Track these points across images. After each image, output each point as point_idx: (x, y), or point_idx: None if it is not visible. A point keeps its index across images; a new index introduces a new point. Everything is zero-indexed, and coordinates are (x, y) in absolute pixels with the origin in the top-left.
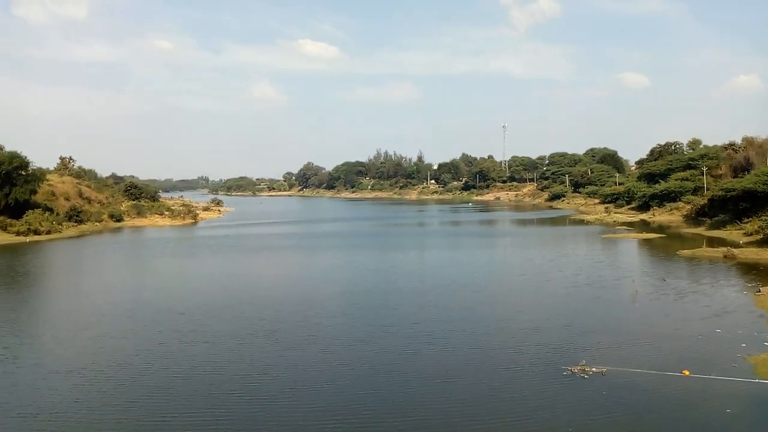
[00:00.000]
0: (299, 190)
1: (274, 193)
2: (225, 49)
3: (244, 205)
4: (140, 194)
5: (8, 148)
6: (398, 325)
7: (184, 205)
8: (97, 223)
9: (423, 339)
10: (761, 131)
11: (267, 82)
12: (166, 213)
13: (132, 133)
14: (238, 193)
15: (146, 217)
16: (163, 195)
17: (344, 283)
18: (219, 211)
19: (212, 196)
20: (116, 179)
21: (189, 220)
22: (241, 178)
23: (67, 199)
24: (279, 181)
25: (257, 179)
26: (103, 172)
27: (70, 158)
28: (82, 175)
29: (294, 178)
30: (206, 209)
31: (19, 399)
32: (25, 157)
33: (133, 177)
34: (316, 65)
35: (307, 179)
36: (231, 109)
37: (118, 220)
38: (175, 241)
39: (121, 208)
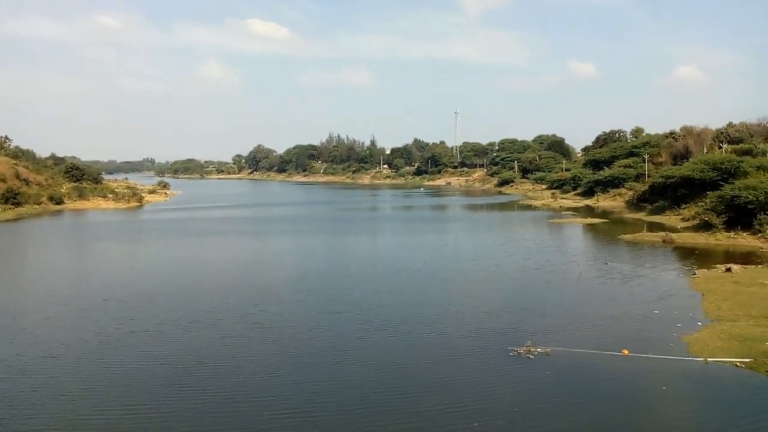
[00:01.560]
0: (249, 173)
1: (223, 176)
2: (174, 29)
3: (192, 188)
4: (82, 176)
5: None
6: (349, 311)
7: (128, 187)
8: (36, 206)
9: (374, 325)
10: (699, 121)
11: (216, 63)
12: (110, 195)
13: (74, 113)
14: (186, 176)
15: (88, 200)
16: (106, 177)
17: (295, 269)
18: (166, 194)
19: (159, 179)
20: (56, 160)
21: (134, 203)
22: (189, 160)
23: (2, 180)
24: (228, 163)
25: (206, 162)
26: (43, 152)
27: (6, 137)
28: (20, 155)
29: (244, 160)
30: (152, 192)
31: None
32: None
33: (75, 158)
34: (268, 46)
35: (257, 162)
36: (178, 90)
37: (59, 203)
38: (119, 224)
39: (62, 191)
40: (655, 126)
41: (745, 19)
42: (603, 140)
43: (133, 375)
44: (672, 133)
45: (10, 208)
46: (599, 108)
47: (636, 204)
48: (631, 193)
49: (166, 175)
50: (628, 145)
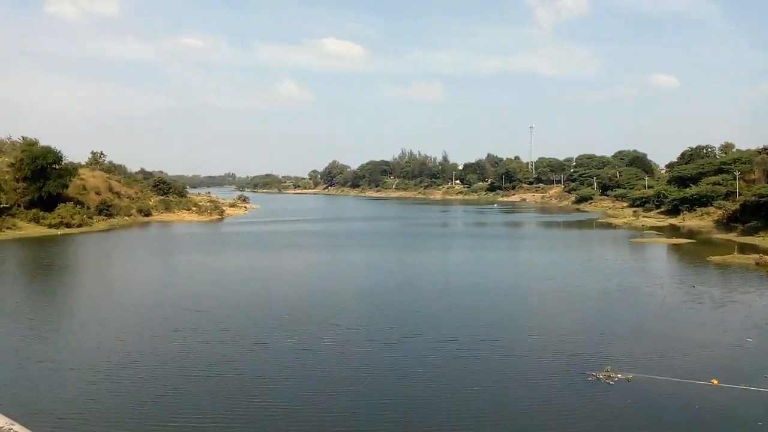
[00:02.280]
0: (324, 188)
1: (299, 191)
2: (253, 48)
3: (269, 203)
4: (168, 189)
5: (42, 143)
6: (422, 329)
7: (211, 201)
8: (126, 218)
9: (448, 344)
10: None
11: (293, 81)
12: (194, 208)
13: (162, 130)
14: (264, 191)
15: (174, 212)
16: (190, 191)
17: (367, 284)
18: (245, 207)
19: (239, 193)
20: (145, 174)
21: (215, 216)
22: (267, 175)
23: (97, 193)
24: (305, 179)
25: (283, 177)
26: (133, 167)
27: (101, 153)
28: (113, 170)
29: (319, 176)
30: (233, 206)
31: (30, 395)
32: (59, 152)
33: (162, 173)
34: (342, 64)
35: (332, 177)
36: (258, 106)
37: (147, 215)
38: (201, 236)
39: (150, 203)
40: (747, 141)
41: None
42: (689, 156)
43: (207, 385)
44: (765, 149)
45: (103, 219)
46: (683, 122)
47: (726, 224)
48: (720, 212)
49: (245, 189)
50: (717, 162)
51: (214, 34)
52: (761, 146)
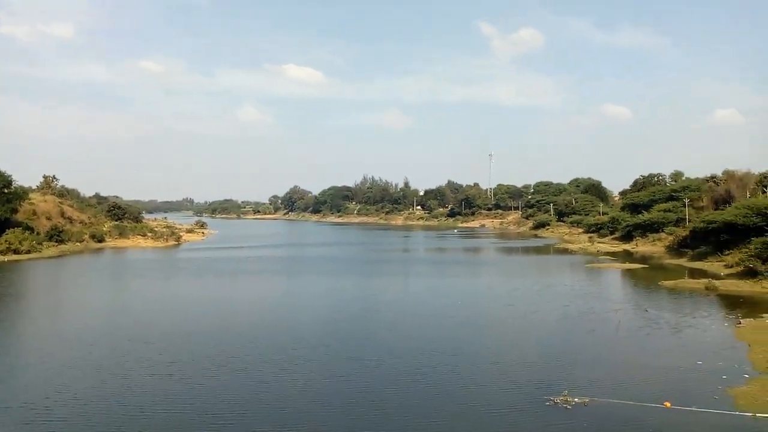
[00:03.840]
0: (285, 214)
1: (259, 217)
2: (214, 72)
3: (228, 228)
4: (123, 215)
5: None
6: (380, 358)
7: (167, 226)
8: (78, 244)
9: (406, 373)
10: (741, 164)
11: (254, 106)
12: (149, 234)
13: (118, 154)
14: (223, 216)
15: (129, 239)
16: (146, 216)
17: (324, 311)
18: (203, 233)
19: (196, 218)
20: (100, 199)
21: (172, 242)
22: (227, 200)
23: (48, 218)
24: (265, 204)
25: (243, 202)
26: (87, 191)
27: (53, 177)
28: (65, 194)
29: (280, 201)
30: (190, 231)
31: None
32: (8, 176)
33: (117, 197)
34: (304, 90)
35: (293, 203)
36: (218, 131)
37: (100, 241)
38: (155, 263)
39: (104, 229)
40: (695, 170)
41: None
42: (641, 184)
43: (152, 422)
44: (713, 177)
45: (53, 245)
46: (636, 151)
47: (676, 249)
48: (671, 238)
49: (203, 214)
50: (668, 189)
51: (174, 57)
52: (709, 174)
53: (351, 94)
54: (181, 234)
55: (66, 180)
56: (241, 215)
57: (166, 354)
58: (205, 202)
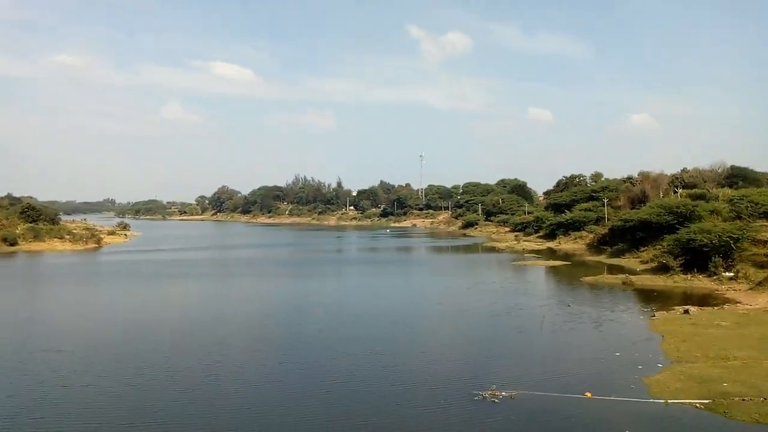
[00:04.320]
0: (213, 215)
1: (186, 218)
2: (136, 69)
3: (153, 230)
4: (38, 216)
5: None
6: (311, 360)
7: (86, 228)
8: None
9: (337, 374)
10: (655, 166)
11: (179, 103)
12: (67, 237)
13: (33, 152)
14: (148, 217)
15: (44, 241)
16: (64, 218)
17: (255, 314)
18: (125, 235)
19: (119, 220)
20: (12, 200)
21: (92, 245)
22: (151, 201)
23: None
24: (192, 205)
25: (168, 203)
26: None
27: None
28: None
29: (208, 201)
30: (111, 233)
31: None
32: None
33: (32, 198)
34: (231, 88)
35: (221, 203)
36: (141, 129)
37: (12, 244)
38: (74, 266)
39: (16, 231)
40: (613, 171)
41: (692, 71)
42: (564, 184)
43: None
44: (629, 178)
45: None
46: (559, 153)
47: (596, 247)
48: (591, 236)
49: (126, 216)
50: (588, 190)
51: (93, 53)
52: (626, 176)
53: (282, 93)
54: (102, 236)
55: None
56: (167, 216)
57: (81, 364)
58: (128, 203)
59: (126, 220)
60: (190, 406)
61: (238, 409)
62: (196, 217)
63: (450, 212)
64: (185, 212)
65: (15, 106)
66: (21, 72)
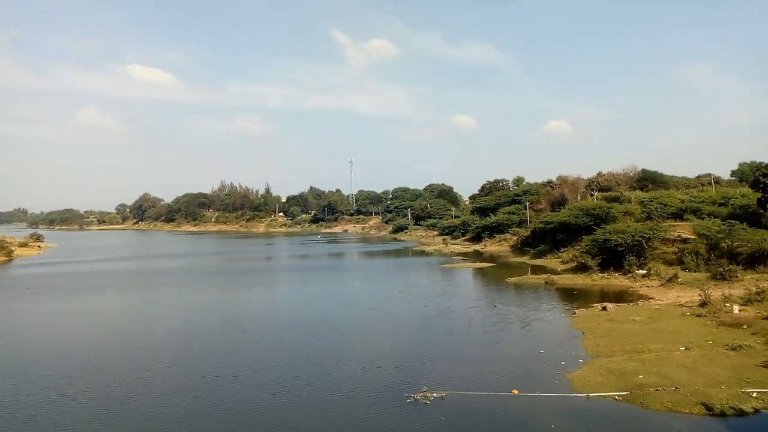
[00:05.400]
0: (134, 224)
1: (105, 227)
2: (48, 71)
3: (69, 240)
4: None
5: None
6: (239, 372)
7: None
8: None
9: (266, 386)
10: (572, 170)
11: (95, 108)
12: None
13: None
14: (63, 227)
15: None
16: None
17: (181, 327)
18: (39, 246)
19: (31, 231)
20: None
21: (2, 258)
22: (67, 210)
23: None
24: (111, 213)
25: (86, 212)
26: None
27: None
28: None
29: (129, 210)
30: (23, 245)
31: None
32: None
33: None
34: (152, 93)
35: (143, 212)
36: (54, 135)
37: None
38: None
39: None
40: (534, 175)
41: (603, 77)
42: (488, 189)
43: None
44: (549, 182)
45: None
46: (483, 158)
47: (520, 248)
48: (515, 238)
49: (40, 226)
50: (511, 193)
51: (2, 54)
52: (546, 180)
53: (206, 97)
54: (13, 248)
55: None
56: (84, 226)
57: None
58: (42, 213)
59: (39, 231)
60: (104, 427)
61: (165, 426)
62: (117, 226)
63: (380, 217)
64: (104, 221)
65: None
66: None
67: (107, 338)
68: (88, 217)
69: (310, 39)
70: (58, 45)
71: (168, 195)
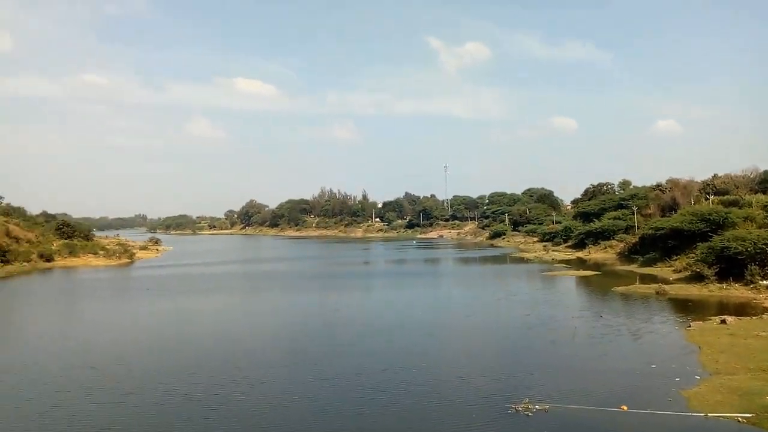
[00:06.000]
0: (241, 229)
1: (215, 232)
2: (162, 86)
3: (183, 244)
4: (73, 233)
5: None
6: (343, 375)
7: (119, 244)
8: (26, 264)
9: (368, 389)
10: (683, 172)
11: (205, 120)
12: (101, 252)
13: (66, 170)
14: (178, 232)
15: (79, 257)
16: (98, 233)
17: (284, 328)
18: (157, 250)
19: (150, 235)
20: (48, 217)
21: (125, 260)
22: (181, 216)
23: None
24: (221, 219)
25: (198, 217)
26: (34, 209)
27: None
28: (11, 212)
29: (236, 216)
30: (143, 248)
31: None
32: None
33: (66, 215)
34: (256, 103)
35: (249, 217)
36: (169, 146)
37: (49, 260)
38: (108, 282)
39: (52, 248)
40: (642, 178)
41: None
42: (592, 193)
43: None
44: (659, 186)
45: None
46: (585, 161)
47: (627, 256)
48: (622, 245)
49: (157, 231)
50: (617, 198)
51: (120, 72)
52: (655, 183)
53: (304, 107)
54: (135, 251)
55: (11, 198)
56: (197, 231)
57: (112, 380)
58: (159, 219)
59: (157, 235)
60: (220, 424)
61: (269, 426)
62: (225, 231)
63: (476, 223)
64: (215, 227)
65: (48, 126)
66: (48, 92)
67: (217, 341)
68: (200, 222)
69: (403, 46)
70: (166, 60)
71: (272, 201)
